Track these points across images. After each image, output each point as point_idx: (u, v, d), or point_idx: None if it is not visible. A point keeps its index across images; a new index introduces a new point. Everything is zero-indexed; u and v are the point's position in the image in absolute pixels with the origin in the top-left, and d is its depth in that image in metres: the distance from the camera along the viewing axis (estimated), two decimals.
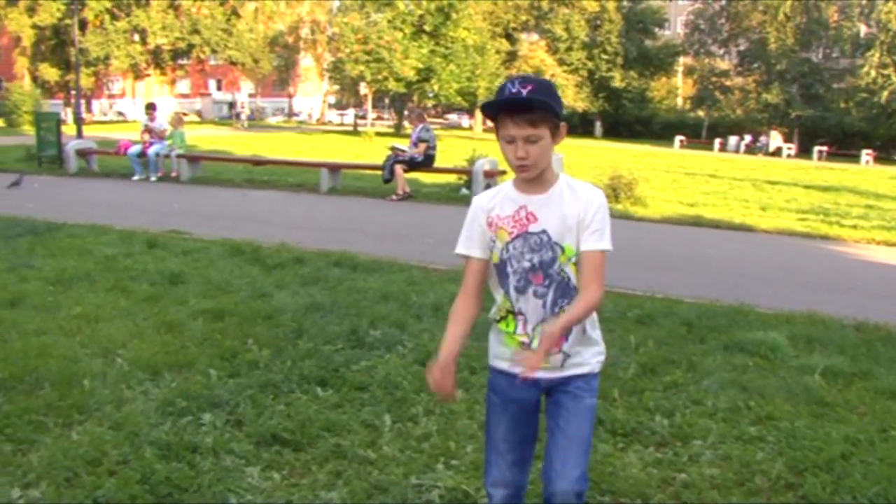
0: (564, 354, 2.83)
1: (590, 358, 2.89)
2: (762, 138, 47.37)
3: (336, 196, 16.20)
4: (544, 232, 2.75)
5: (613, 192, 15.61)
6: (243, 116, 63.43)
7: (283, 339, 5.90)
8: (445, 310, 6.85)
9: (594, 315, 2.88)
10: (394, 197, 15.20)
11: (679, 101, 71.73)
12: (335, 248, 9.08)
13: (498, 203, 2.84)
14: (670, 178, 23.60)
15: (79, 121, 24.10)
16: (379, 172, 16.20)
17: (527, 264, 2.77)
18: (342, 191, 16.87)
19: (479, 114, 58.80)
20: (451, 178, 17.17)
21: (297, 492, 3.83)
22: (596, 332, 2.92)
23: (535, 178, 2.75)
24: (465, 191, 15.86)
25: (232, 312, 6.45)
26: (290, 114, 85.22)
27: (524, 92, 2.60)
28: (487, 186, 15.38)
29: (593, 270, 2.74)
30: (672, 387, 5.32)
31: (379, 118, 68.18)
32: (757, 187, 21.72)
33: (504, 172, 16.41)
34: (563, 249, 2.75)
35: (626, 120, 61.13)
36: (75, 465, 3.98)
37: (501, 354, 2.93)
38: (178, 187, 17.16)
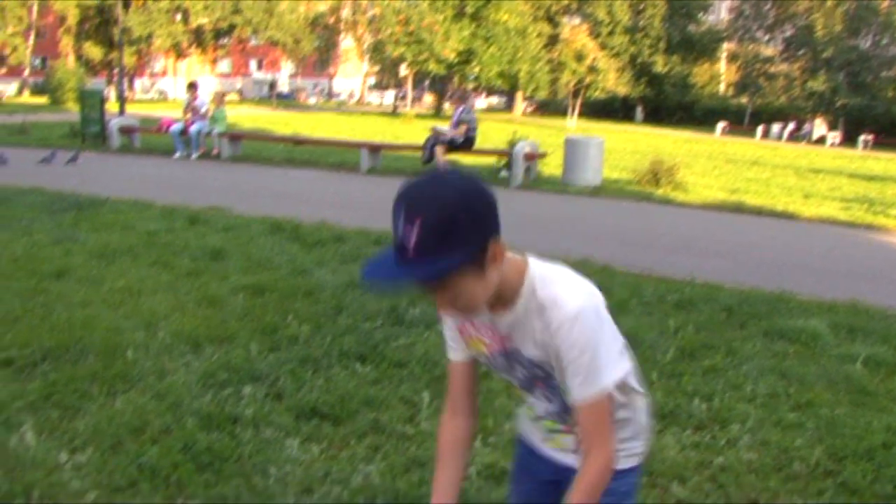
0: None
1: (621, 448, 2.06)
2: (806, 126, 46.80)
3: (376, 176, 16.23)
4: (525, 357, 2.02)
5: (654, 176, 15.53)
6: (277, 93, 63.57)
7: (323, 315, 5.95)
8: None
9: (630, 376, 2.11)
10: None
11: (722, 88, 70.98)
12: (375, 228, 9.09)
13: None
14: (712, 164, 23.40)
15: (121, 98, 24.31)
16: (419, 153, 16.20)
17: (521, 376, 2.09)
18: (382, 171, 16.89)
19: (520, 96, 58.68)
20: (491, 160, 17.14)
21: (335, 465, 3.87)
22: (630, 413, 2.12)
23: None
24: (504, 173, 15.84)
25: (272, 288, 6.50)
26: (330, 94, 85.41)
27: (410, 241, 1.71)
28: (527, 170, 15.37)
29: (588, 429, 1.95)
30: (711, 371, 5.30)
31: (417, 100, 68.14)
32: (800, 175, 21.48)
33: (545, 155, 16.36)
34: (555, 373, 2.01)
35: (668, 105, 60.59)
36: (119, 432, 4.05)
37: (529, 430, 2.30)
38: (218, 165, 17.28)
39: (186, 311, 5.93)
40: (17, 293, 6.20)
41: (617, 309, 6.33)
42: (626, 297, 6.73)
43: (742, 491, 3.90)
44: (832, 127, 47.10)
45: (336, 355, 5.15)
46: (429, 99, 67.27)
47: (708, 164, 23.31)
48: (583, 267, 7.81)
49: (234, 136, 19.32)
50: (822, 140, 44.41)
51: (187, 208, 10.37)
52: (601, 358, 1.88)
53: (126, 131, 20.17)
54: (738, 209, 13.51)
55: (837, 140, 44.64)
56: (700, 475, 4.02)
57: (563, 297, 1.88)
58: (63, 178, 13.08)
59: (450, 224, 1.71)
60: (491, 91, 69.31)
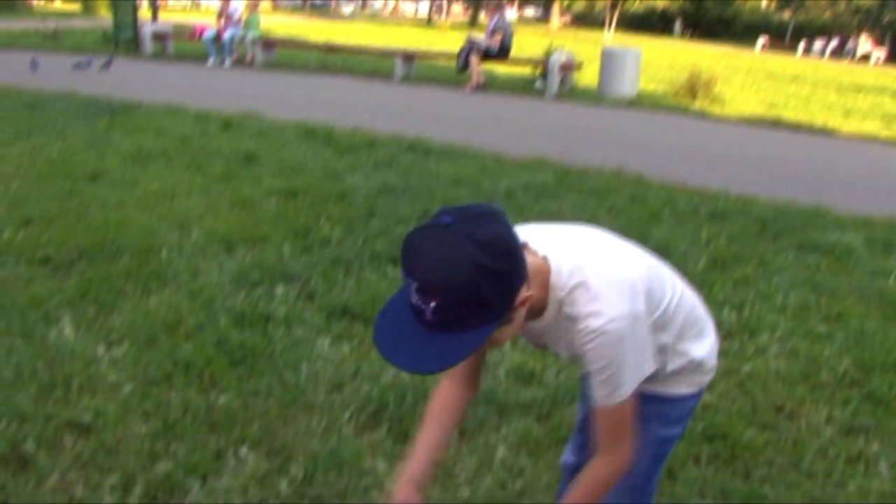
0: None
1: (675, 378, 2.06)
2: (850, 43, 45.70)
3: (410, 84, 16.10)
4: (560, 353, 1.99)
5: (691, 90, 15.30)
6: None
7: (355, 218, 5.96)
8: (518, 196, 6.93)
9: (694, 315, 2.05)
10: (468, 87, 15.06)
11: (763, 2, 69.34)
12: (408, 134, 9.05)
13: None
14: (750, 79, 22.99)
15: (154, 5, 24.10)
16: (453, 62, 16.02)
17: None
18: (416, 79, 16.75)
19: (556, 8, 57.69)
20: (526, 70, 16.92)
21: (365, 363, 3.91)
22: (688, 345, 2.03)
23: None
24: (539, 84, 15.66)
25: (305, 192, 6.52)
26: (364, 4, 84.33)
27: (426, 316, 1.56)
28: (563, 81, 15.18)
29: (603, 432, 1.89)
30: (742, 281, 5.28)
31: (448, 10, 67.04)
32: (841, 92, 21.06)
33: (581, 66, 16.14)
34: None
35: (707, 19, 59.27)
36: (154, 328, 4.12)
37: None
38: (252, 72, 17.18)
39: (220, 214, 5.97)
40: (53, 195, 6.26)
41: (649, 219, 6.36)
42: (660, 208, 6.69)
43: (768, 398, 3.91)
44: (878, 43, 45.96)
45: (367, 257, 5.18)
46: (458, 9, 66.25)
47: (746, 79, 22.90)
48: (616, 177, 7.79)
49: (268, 43, 19.16)
50: (866, 58, 43.41)
51: (220, 114, 10.36)
52: (625, 374, 1.78)
53: (159, 38, 20.03)
54: (776, 124, 13.29)
55: (883, 57, 43.60)
56: (727, 382, 4.04)
57: (592, 313, 1.74)
58: (96, 84, 13.08)
59: (469, 301, 1.53)
60: (526, 1, 68.19)
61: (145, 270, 4.83)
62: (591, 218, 5.89)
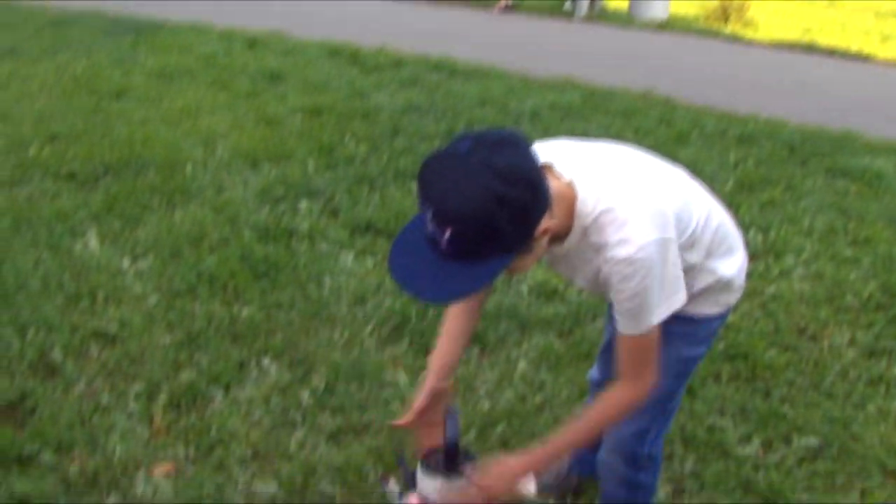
0: None
1: (702, 298, 2.01)
2: None
3: (436, 3, 15.88)
4: (575, 282, 1.97)
5: (724, 13, 15.01)
6: None
7: (380, 136, 5.94)
8: (544, 116, 6.86)
9: (723, 232, 1.99)
10: (496, 9, 14.84)
11: None
12: (434, 53, 8.95)
13: None
14: (785, 3, 22.51)
15: None
16: None
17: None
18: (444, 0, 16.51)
19: None
20: None
21: (388, 277, 3.91)
22: (717, 262, 1.97)
23: None
24: (568, 5, 15.39)
25: (330, 110, 6.48)
26: None
27: (442, 243, 1.51)
28: (592, 2, 14.91)
29: (626, 359, 1.85)
30: (769, 204, 5.23)
31: None
32: (880, 17, 20.52)
33: None
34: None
35: None
36: (179, 242, 4.14)
37: None
38: None
39: (244, 130, 5.96)
40: (79, 111, 6.26)
41: (677, 140, 6.29)
42: (687, 130, 6.61)
43: (791, 319, 3.90)
44: None
45: (392, 174, 5.17)
46: None
47: (781, 3, 22.42)
48: (644, 99, 7.69)
49: None
50: None
51: (245, 32, 10.26)
52: (652, 305, 1.73)
53: None
54: (810, 49, 13.00)
55: None
56: (751, 303, 4.02)
57: (621, 241, 1.67)
58: (121, 3, 12.97)
59: (485, 232, 1.48)
60: None
61: (170, 185, 4.84)
62: (617, 139, 5.79)
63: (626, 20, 14.38)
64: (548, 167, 1.67)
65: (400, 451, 1.90)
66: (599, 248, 1.70)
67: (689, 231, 1.85)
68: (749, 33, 14.09)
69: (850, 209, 5.25)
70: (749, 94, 8.79)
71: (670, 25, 14.21)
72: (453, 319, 2.06)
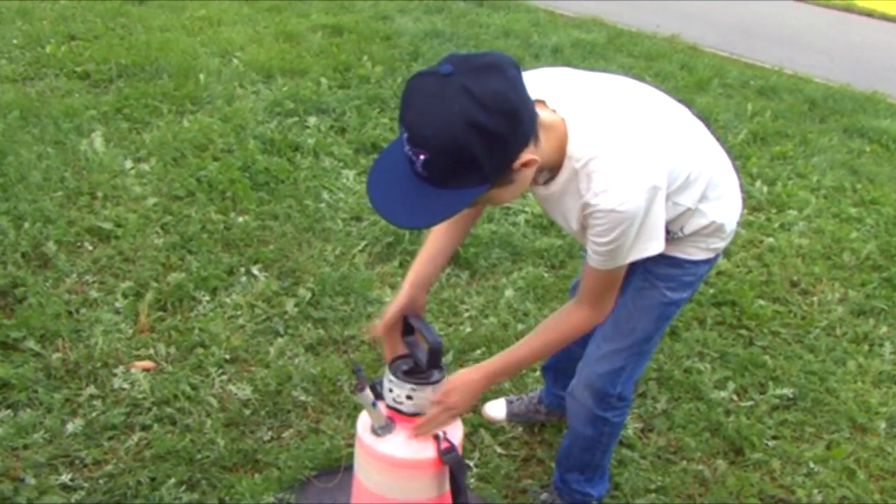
0: None
1: (691, 241, 1.99)
2: None
3: None
4: (556, 221, 1.92)
5: None
6: None
7: (398, 59, 5.90)
8: (566, 53, 6.78)
9: (718, 177, 1.94)
10: None
11: None
12: None
13: None
14: None
15: None
16: None
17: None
18: None
19: None
20: None
21: None
22: (710, 206, 1.93)
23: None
24: None
25: (351, 30, 6.43)
26: None
27: (417, 166, 1.48)
28: None
29: (590, 286, 1.85)
30: (780, 157, 5.19)
31: None
32: None
33: None
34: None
35: None
36: (183, 147, 4.16)
37: None
38: None
39: (263, 44, 5.93)
40: (100, 13, 6.23)
41: (696, 87, 6.24)
42: (708, 77, 6.53)
43: (784, 272, 3.90)
44: None
45: None
46: None
47: None
48: (669, 43, 7.61)
49: None
50: None
51: None
52: (625, 248, 1.72)
53: None
54: (848, 9, 12.75)
55: None
56: (746, 252, 4.03)
57: (607, 190, 1.64)
58: None
59: (459, 159, 1.45)
60: None
61: (182, 92, 4.83)
62: None
63: None
64: (539, 101, 1.64)
65: (356, 361, 1.92)
66: (585, 194, 1.68)
67: (684, 176, 1.82)
68: None
69: (862, 169, 5.21)
70: (778, 48, 8.67)
71: None
72: (434, 237, 2.05)
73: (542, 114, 1.59)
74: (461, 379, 1.90)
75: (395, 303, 1.97)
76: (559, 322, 1.92)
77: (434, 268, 2.06)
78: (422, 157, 1.45)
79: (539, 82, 1.70)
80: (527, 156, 1.52)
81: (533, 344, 1.94)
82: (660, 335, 2.18)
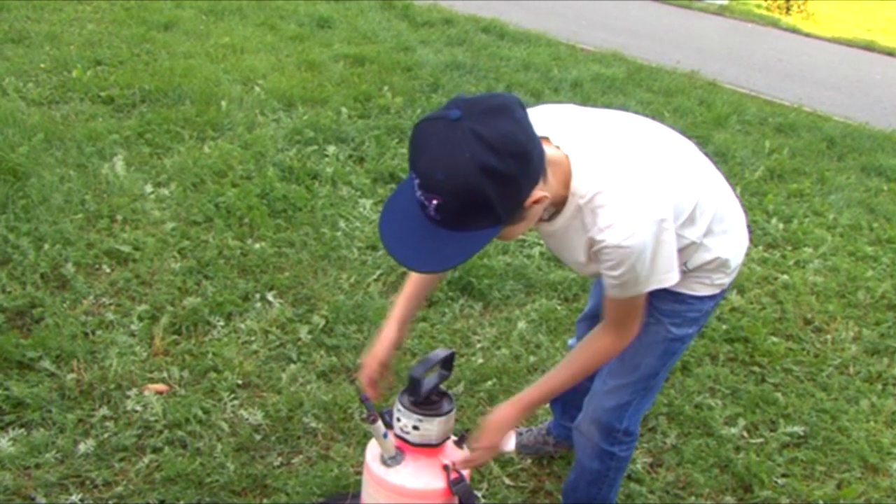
0: None
1: (696, 276, 1.98)
2: None
3: None
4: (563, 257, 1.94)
5: (786, 2, 14.77)
6: None
7: (419, 90, 5.94)
8: (586, 87, 6.83)
9: (723, 212, 1.94)
10: None
11: None
12: (485, 15, 8.90)
13: None
14: (849, 2, 22.05)
15: None
16: None
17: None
18: None
19: None
20: None
21: None
22: (715, 241, 1.93)
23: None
24: None
25: (373, 60, 6.49)
26: None
27: (430, 211, 1.49)
28: None
29: (612, 314, 1.89)
30: (796, 195, 5.20)
31: None
32: None
33: None
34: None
35: None
36: (203, 173, 4.20)
37: None
38: None
39: (285, 72, 5.99)
40: (126, 39, 6.31)
41: (714, 123, 6.26)
42: (727, 114, 6.54)
43: (798, 309, 3.90)
44: None
45: None
46: None
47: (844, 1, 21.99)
48: (688, 79, 7.63)
49: None
50: None
51: None
52: (640, 280, 1.74)
53: None
54: (869, 48, 12.77)
55: None
56: (760, 288, 4.03)
57: (612, 226, 1.66)
58: None
59: (472, 203, 1.46)
60: None
61: (203, 118, 4.89)
62: (654, 117, 5.77)
63: (685, 1, 14.20)
64: (544, 138, 1.66)
65: (364, 392, 1.94)
66: (591, 229, 1.69)
67: (689, 209, 1.83)
68: (808, 26, 13.86)
69: (878, 208, 5.21)
70: (798, 85, 8.69)
71: (730, 9, 14.02)
72: (412, 282, 2.11)
73: (547, 150, 1.61)
74: (499, 417, 1.94)
75: (384, 340, 2.06)
76: (587, 348, 1.95)
77: (418, 304, 2.16)
78: (434, 201, 1.46)
79: (543, 119, 1.73)
80: (537, 193, 1.53)
81: (565, 371, 1.96)
82: (666, 371, 2.18)
